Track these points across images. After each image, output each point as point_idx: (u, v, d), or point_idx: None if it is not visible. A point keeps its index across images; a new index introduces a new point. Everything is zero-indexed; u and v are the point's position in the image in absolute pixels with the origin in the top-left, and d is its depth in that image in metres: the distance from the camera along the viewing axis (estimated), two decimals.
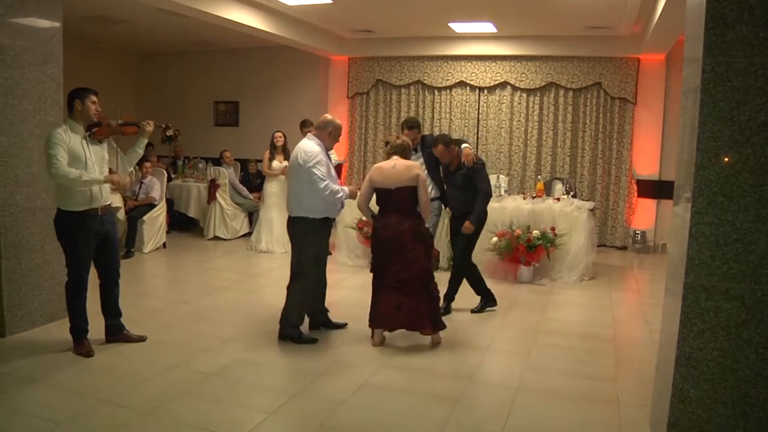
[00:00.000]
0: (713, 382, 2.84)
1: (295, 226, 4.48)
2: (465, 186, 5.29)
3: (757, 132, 2.68)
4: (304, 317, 4.65)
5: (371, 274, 4.65)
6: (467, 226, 5.24)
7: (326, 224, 4.56)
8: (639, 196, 8.69)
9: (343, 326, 4.89)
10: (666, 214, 8.54)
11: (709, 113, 2.73)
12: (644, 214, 8.68)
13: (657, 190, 8.61)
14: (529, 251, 6.53)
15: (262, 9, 7.43)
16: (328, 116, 4.61)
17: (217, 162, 9.09)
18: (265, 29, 7.60)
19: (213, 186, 8.33)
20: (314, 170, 4.32)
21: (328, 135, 4.55)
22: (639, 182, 8.67)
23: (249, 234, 8.53)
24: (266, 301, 5.56)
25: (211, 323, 4.93)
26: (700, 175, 2.77)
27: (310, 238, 4.45)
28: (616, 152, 8.67)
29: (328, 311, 4.93)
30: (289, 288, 4.58)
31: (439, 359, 4.35)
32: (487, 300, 5.57)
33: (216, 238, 8.45)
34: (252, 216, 8.72)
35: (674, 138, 8.43)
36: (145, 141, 4.47)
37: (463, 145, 5.36)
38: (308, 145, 4.44)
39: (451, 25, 8.16)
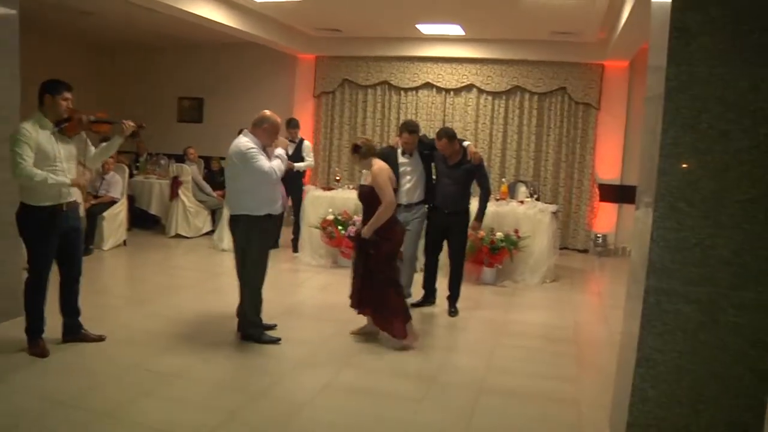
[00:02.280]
0: (670, 383, 2.91)
1: (237, 224, 4.41)
2: (463, 181, 5.41)
3: (717, 140, 2.75)
4: (260, 314, 4.57)
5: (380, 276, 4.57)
6: (475, 225, 5.49)
7: (269, 221, 4.44)
8: (601, 200, 8.84)
9: (272, 327, 4.75)
10: (627, 219, 8.71)
11: (672, 121, 2.79)
12: (606, 218, 8.85)
13: (618, 194, 8.77)
14: (493, 253, 6.58)
15: (230, 5, 7.34)
16: (266, 112, 4.46)
17: (181, 159, 8.93)
18: (232, 25, 7.50)
19: (175, 183, 8.19)
20: (253, 162, 4.20)
21: (263, 131, 4.39)
22: (601, 186, 8.82)
23: (212, 232, 8.41)
24: (228, 301, 5.44)
25: (173, 322, 4.84)
26: (663, 181, 2.83)
27: (254, 236, 4.36)
28: (579, 156, 8.82)
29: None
30: (241, 289, 4.52)
31: (403, 360, 4.36)
32: (429, 297, 5.68)
33: (178, 236, 8.29)
34: (215, 214, 8.59)
35: (636, 143, 8.66)
36: (121, 141, 4.36)
37: (466, 143, 5.47)
38: (242, 141, 4.32)
39: (419, 26, 8.18)
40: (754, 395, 2.84)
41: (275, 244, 7.60)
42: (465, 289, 6.26)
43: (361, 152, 4.60)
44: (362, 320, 4.76)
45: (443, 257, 5.75)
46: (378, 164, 4.60)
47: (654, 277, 2.88)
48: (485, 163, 8.90)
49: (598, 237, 8.72)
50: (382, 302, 4.55)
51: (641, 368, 2.94)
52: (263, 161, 4.25)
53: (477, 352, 4.59)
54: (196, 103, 10.56)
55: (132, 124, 4.31)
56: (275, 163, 4.32)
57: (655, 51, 3.10)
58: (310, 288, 6.29)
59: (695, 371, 2.88)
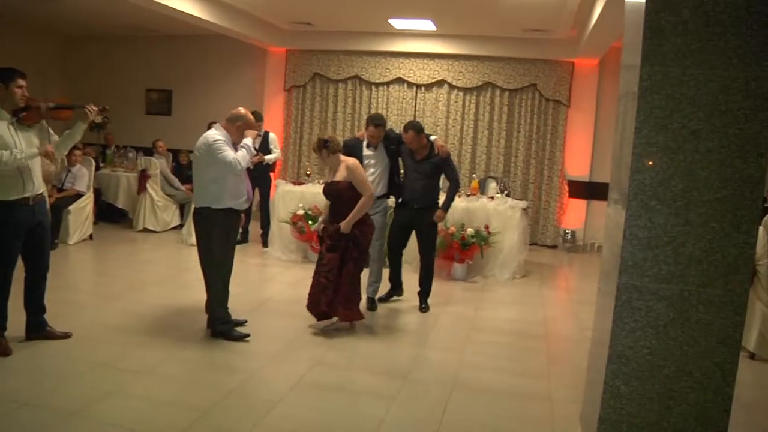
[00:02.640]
0: (642, 379, 2.96)
1: (199, 217, 4.35)
2: (431, 175, 5.41)
3: (688, 139, 2.80)
4: (227, 307, 4.50)
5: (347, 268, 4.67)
6: (440, 215, 5.42)
7: (232, 215, 4.37)
8: (570, 196, 8.96)
9: (242, 323, 4.68)
10: (596, 215, 8.85)
11: (645, 120, 2.82)
12: (575, 214, 8.96)
13: (587, 190, 8.90)
14: (463, 249, 6.62)
15: None
16: (242, 110, 4.40)
17: (149, 152, 8.77)
18: (202, 17, 7.37)
19: (143, 176, 8.03)
20: (218, 153, 4.15)
21: (236, 129, 4.34)
22: (570, 183, 8.93)
23: (180, 226, 8.27)
24: (197, 296, 5.34)
25: (141, 319, 4.74)
26: (635, 179, 2.86)
27: (216, 230, 4.30)
28: (549, 153, 8.90)
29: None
30: (206, 284, 4.46)
31: (375, 356, 4.35)
32: (396, 290, 5.70)
33: (146, 230, 8.14)
34: (183, 208, 8.46)
35: (605, 141, 8.79)
36: (85, 127, 4.24)
37: (433, 137, 5.49)
38: (210, 134, 4.28)
39: (391, 21, 8.15)
40: (721, 390, 2.91)
41: (245, 239, 7.54)
42: (436, 285, 6.29)
43: (330, 148, 4.63)
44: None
45: (414, 253, 5.76)
46: (350, 159, 4.70)
47: (626, 275, 2.92)
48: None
49: (567, 233, 8.83)
50: (351, 294, 4.66)
51: (613, 365, 2.98)
52: (228, 152, 4.19)
53: (449, 348, 4.60)
54: (165, 96, 10.36)
55: (95, 108, 4.20)
56: (240, 154, 4.26)
57: (629, 50, 3.13)
58: (280, 283, 6.24)
59: (666, 367, 2.93)
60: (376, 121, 5.36)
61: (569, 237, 8.80)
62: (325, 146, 4.64)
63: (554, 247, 8.91)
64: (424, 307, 5.49)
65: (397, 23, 8.29)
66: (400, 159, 5.56)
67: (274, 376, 3.89)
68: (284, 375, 3.89)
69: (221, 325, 4.40)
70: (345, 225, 4.55)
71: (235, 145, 4.33)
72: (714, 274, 2.84)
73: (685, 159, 2.81)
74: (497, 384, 3.97)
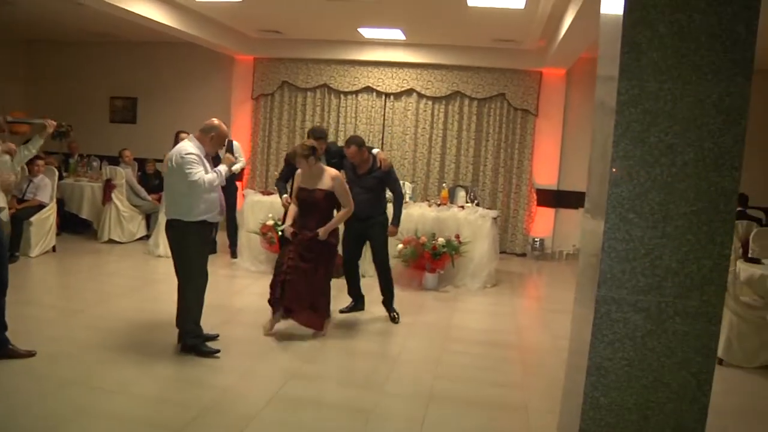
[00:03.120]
0: (620, 390, 2.97)
1: (171, 230, 4.27)
2: (375, 189, 5.37)
3: (665, 153, 2.83)
4: (199, 323, 4.37)
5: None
6: (393, 230, 5.46)
7: (203, 227, 4.28)
8: (538, 204, 9.05)
9: (214, 338, 4.58)
10: (564, 223, 8.97)
11: (623, 134, 2.85)
12: (543, 223, 9.06)
13: (556, 199, 9.01)
14: (435, 258, 6.62)
15: (167, 3, 7.09)
16: (215, 121, 4.35)
17: (114, 161, 8.56)
18: (169, 24, 7.26)
19: (108, 186, 7.83)
20: (186, 168, 4.07)
21: (210, 140, 4.27)
22: (538, 191, 9.03)
23: (146, 237, 8.10)
24: (166, 309, 5.22)
25: (108, 334, 4.59)
26: (614, 192, 2.88)
27: (188, 242, 4.21)
28: (518, 162, 8.99)
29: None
30: (179, 298, 4.34)
31: (349, 369, 4.33)
32: (358, 303, 5.64)
33: (111, 241, 7.94)
34: (150, 218, 8.29)
35: (573, 149, 8.92)
36: (41, 142, 4.15)
37: (376, 150, 5.46)
38: (184, 146, 4.18)
39: (361, 30, 8.15)
40: (697, 400, 2.94)
41: (213, 249, 7.40)
42: (408, 295, 6.33)
43: (317, 155, 4.69)
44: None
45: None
46: (333, 170, 4.81)
47: (605, 287, 2.93)
48: (422, 167, 9.16)
49: (536, 241, 8.92)
50: (320, 303, 4.71)
51: (592, 376, 2.99)
52: (196, 170, 4.09)
53: (424, 360, 4.58)
54: (130, 103, 10.15)
55: (54, 123, 4.11)
56: (209, 177, 4.16)
57: (605, 62, 3.17)
58: (250, 294, 6.15)
59: (643, 378, 2.95)
60: (317, 134, 5.34)
61: (538, 245, 8.89)
62: (313, 153, 4.66)
63: (523, 255, 8.98)
64: (394, 316, 5.45)
65: (367, 32, 8.29)
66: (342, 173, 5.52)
67: (249, 391, 3.82)
68: (259, 389, 3.82)
69: (192, 339, 4.30)
70: (323, 232, 4.62)
71: (209, 156, 4.27)
72: (690, 285, 2.87)
73: (662, 173, 2.84)
74: (474, 395, 3.97)
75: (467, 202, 7.34)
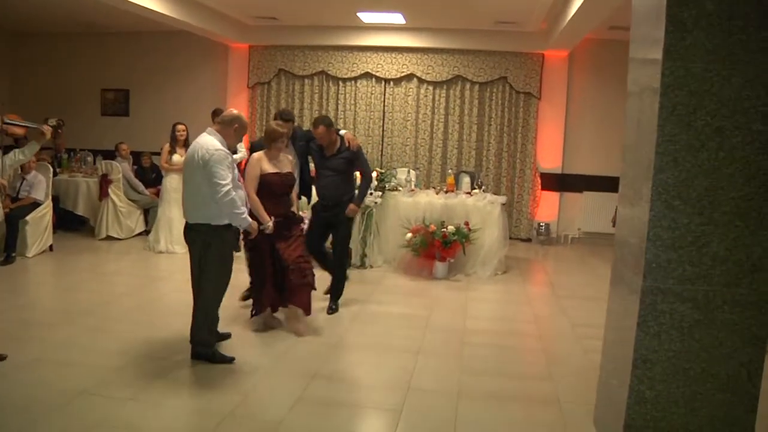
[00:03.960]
0: (667, 383, 2.88)
1: (195, 234, 3.95)
2: (344, 170, 5.19)
3: (712, 137, 2.72)
4: (216, 334, 4.18)
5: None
6: (353, 208, 5.20)
7: (230, 232, 4.02)
8: (542, 189, 8.94)
9: (227, 337, 4.43)
10: (568, 207, 8.88)
11: (668, 117, 2.73)
12: (547, 207, 8.96)
13: (560, 183, 8.91)
14: (445, 247, 6.48)
15: None
16: (234, 111, 4.10)
17: (106, 155, 8.34)
18: (162, 12, 7.03)
19: (105, 181, 7.61)
20: (215, 169, 3.78)
21: (234, 132, 4.00)
22: (543, 175, 8.92)
23: (145, 233, 7.92)
24: (173, 308, 5.11)
25: (116, 337, 4.40)
26: (658, 179, 2.76)
27: (213, 249, 3.92)
28: (521, 146, 8.87)
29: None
30: (194, 304, 4.09)
31: (372, 367, 4.18)
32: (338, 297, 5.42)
33: (109, 237, 7.73)
34: (148, 213, 8.09)
35: (576, 132, 8.81)
36: (38, 148, 3.97)
37: (343, 131, 5.28)
38: (209, 142, 3.86)
39: (360, 14, 7.95)
40: (747, 391, 2.85)
41: (236, 248, 7.23)
42: (420, 285, 6.23)
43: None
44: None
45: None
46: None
47: (650, 277, 2.83)
48: (424, 153, 9.02)
49: (541, 225, 8.82)
50: (309, 279, 4.55)
51: (638, 369, 2.89)
52: (227, 183, 3.80)
53: (446, 354, 4.45)
54: (122, 95, 9.89)
55: (50, 128, 3.94)
56: (238, 200, 3.90)
57: (643, 43, 3.04)
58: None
59: (690, 370, 2.85)
60: (287, 116, 5.13)
61: (543, 230, 8.79)
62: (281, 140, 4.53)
63: (528, 240, 8.89)
64: (333, 308, 5.22)
65: (366, 16, 8.09)
66: (309, 157, 5.36)
67: (271, 395, 3.67)
68: (281, 392, 3.67)
69: (202, 348, 4.07)
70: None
71: (230, 149, 4.02)
72: (739, 273, 2.78)
73: (709, 157, 2.73)
74: (502, 389, 3.86)
75: (474, 188, 7.19)
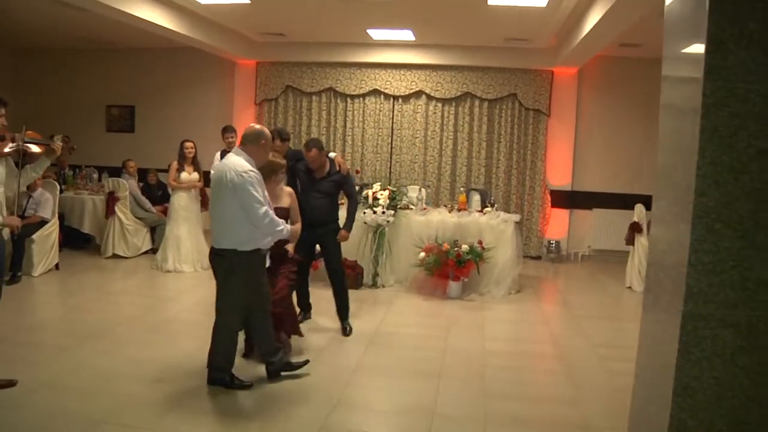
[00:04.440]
0: (709, 411, 2.78)
1: (219, 260, 3.82)
2: (332, 193, 5.18)
3: (755, 158, 2.64)
4: (233, 360, 4.01)
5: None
6: (344, 235, 5.19)
7: (257, 256, 3.90)
8: (552, 206, 8.88)
9: (303, 364, 4.24)
10: (578, 224, 8.82)
11: (709, 139, 2.65)
12: (557, 224, 8.89)
13: (569, 200, 8.85)
14: (459, 266, 6.39)
15: (171, 6, 6.84)
16: (257, 126, 3.94)
17: (113, 171, 8.26)
18: (171, 28, 7.00)
19: (112, 199, 7.52)
20: (250, 192, 3.66)
21: (261, 148, 3.86)
22: (552, 193, 8.86)
23: (152, 251, 7.82)
24: (184, 330, 5.03)
25: (128, 361, 4.29)
26: (700, 202, 2.68)
27: (237, 275, 3.81)
28: (531, 163, 8.82)
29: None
30: (213, 329, 3.96)
31: (397, 392, 4.07)
32: (306, 312, 5.42)
33: (115, 256, 7.63)
34: (155, 231, 7.99)
35: (585, 149, 8.77)
36: (48, 164, 3.90)
37: (332, 154, 5.26)
38: (238, 162, 3.71)
39: (370, 31, 7.92)
40: None
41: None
42: (434, 305, 6.14)
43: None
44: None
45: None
46: (287, 187, 4.63)
47: (691, 302, 2.73)
48: (433, 170, 8.97)
49: (551, 243, 8.74)
50: (292, 311, 4.57)
51: (679, 397, 2.79)
52: (263, 206, 3.71)
53: (468, 377, 4.35)
54: (127, 112, 9.85)
55: (60, 144, 3.88)
56: (277, 223, 3.83)
57: (680, 63, 2.97)
58: None
59: (734, 398, 2.76)
60: (285, 135, 5.04)
61: (553, 247, 8.71)
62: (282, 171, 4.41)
63: (538, 258, 8.81)
64: (346, 328, 5.16)
65: (376, 33, 8.06)
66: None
67: (293, 424, 3.53)
68: (303, 421, 3.54)
69: (218, 373, 3.94)
70: (293, 248, 4.62)
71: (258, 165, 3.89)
72: None
73: (752, 179, 2.65)
74: (530, 415, 3.77)
75: (487, 207, 7.11)
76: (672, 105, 3.05)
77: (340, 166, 5.15)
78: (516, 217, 7.00)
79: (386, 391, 4.10)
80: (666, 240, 3.05)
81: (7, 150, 3.69)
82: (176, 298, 6.21)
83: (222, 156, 7.21)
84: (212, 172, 3.97)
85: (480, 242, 6.55)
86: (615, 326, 6.11)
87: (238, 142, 7.25)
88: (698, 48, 2.68)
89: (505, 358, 4.80)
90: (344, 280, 5.28)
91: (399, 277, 6.83)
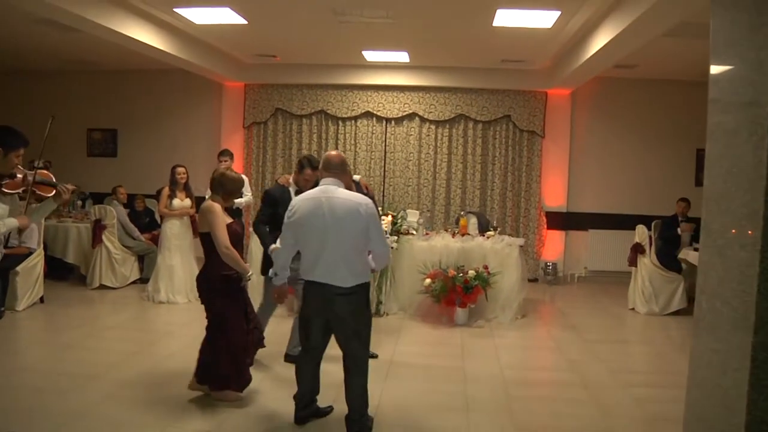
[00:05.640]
0: None
1: (348, 299, 3.43)
2: None
3: None
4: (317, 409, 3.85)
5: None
6: None
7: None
8: (548, 227, 8.82)
9: (328, 411, 3.96)
10: (574, 245, 8.77)
11: None
12: (553, 246, 8.83)
13: (565, 221, 8.80)
14: (466, 293, 6.23)
15: (163, 27, 6.62)
16: (332, 152, 3.68)
17: (98, 198, 7.92)
18: (162, 48, 6.77)
19: (99, 227, 7.18)
20: (380, 224, 3.63)
21: (349, 176, 3.84)
22: (548, 214, 8.80)
23: (140, 281, 7.49)
24: (189, 368, 4.68)
25: (134, 406, 3.96)
26: None
27: (368, 307, 3.67)
28: (526, 185, 8.77)
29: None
30: (353, 386, 3.58)
31: (423, 429, 3.86)
32: None
33: (102, 286, 7.26)
34: (143, 260, 7.67)
35: (580, 170, 8.75)
36: (55, 207, 3.69)
37: (357, 177, 5.12)
38: (354, 194, 3.52)
39: (365, 53, 7.81)
40: None
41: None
42: (443, 334, 5.99)
43: None
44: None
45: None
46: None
47: (762, 333, 2.62)
48: (427, 193, 8.84)
49: (548, 265, 8.66)
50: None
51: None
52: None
53: (495, 410, 4.16)
54: (110, 136, 9.52)
55: (69, 187, 3.69)
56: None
57: (734, 85, 2.90)
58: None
59: None
60: (316, 163, 4.72)
61: (550, 269, 8.63)
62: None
63: (535, 280, 8.70)
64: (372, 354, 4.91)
65: (371, 55, 7.95)
66: None
67: None
68: None
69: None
70: None
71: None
72: None
73: None
74: None
75: (490, 231, 6.98)
76: (723, 130, 2.96)
77: (367, 188, 5.05)
78: (520, 241, 6.90)
79: (415, 428, 3.88)
80: (722, 268, 2.94)
81: (17, 191, 3.47)
82: (174, 333, 5.88)
83: None
84: (301, 204, 3.49)
85: (486, 267, 6.41)
86: (628, 350, 6.03)
87: (236, 167, 7.15)
88: (757, 71, 2.60)
89: (528, 387, 4.65)
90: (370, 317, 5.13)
91: (403, 304, 6.63)
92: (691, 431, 3.17)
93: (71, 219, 7.77)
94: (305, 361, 3.72)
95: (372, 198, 4.95)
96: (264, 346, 4.31)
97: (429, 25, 6.40)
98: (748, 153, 2.70)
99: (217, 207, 3.94)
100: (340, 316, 3.45)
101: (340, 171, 3.55)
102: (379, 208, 6.73)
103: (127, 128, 9.50)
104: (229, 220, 4.03)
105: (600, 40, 5.73)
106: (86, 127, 9.55)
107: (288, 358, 4.83)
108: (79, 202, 8.04)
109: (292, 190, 4.79)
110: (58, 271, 7.63)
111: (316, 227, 3.38)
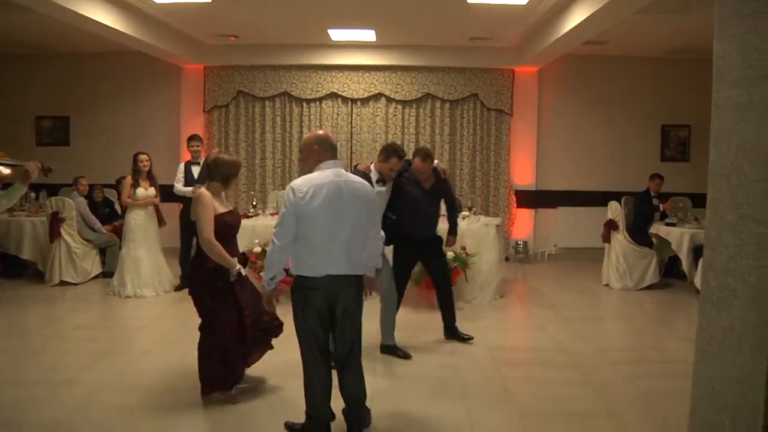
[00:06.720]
0: None
1: (354, 288, 3.25)
2: (438, 203, 5.12)
3: None
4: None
5: None
6: (452, 240, 5.23)
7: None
8: (517, 206, 8.82)
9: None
10: (543, 223, 8.80)
11: None
12: (523, 224, 8.85)
13: (534, 199, 8.82)
14: None
15: (120, 6, 6.25)
16: (324, 133, 3.36)
17: (52, 190, 7.50)
18: (118, 29, 6.41)
19: (56, 220, 6.79)
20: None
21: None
22: (517, 193, 8.80)
23: (103, 275, 7.14)
24: (166, 365, 4.44)
25: (114, 412, 3.71)
26: None
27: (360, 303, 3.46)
28: (494, 164, 8.74)
29: None
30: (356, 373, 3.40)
31: (423, 419, 3.76)
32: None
33: (63, 283, 6.88)
34: (105, 253, 7.31)
35: (548, 148, 8.76)
36: (24, 190, 3.40)
37: (434, 161, 4.99)
38: (355, 177, 3.35)
39: (330, 31, 7.57)
40: None
41: (185, 285, 6.58)
42: (426, 318, 5.91)
43: None
44: None
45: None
46: None
47: None
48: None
49: (519, 244, 8.68)
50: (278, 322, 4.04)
51: None
52: None
53: (494, 394, 4.10)
54: (61, 123, 9.01)
55: (38, 165, 3.41)
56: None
57: (741, 57, 2.84)
58: None
59: None
60: (402, 152, 4.59)
61: (521, 248, 8.65)
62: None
63: (506, 259, 8.71)
64: (466, 336, 5.15)
65: (336, 34, 7.72)
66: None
67: None
68: None
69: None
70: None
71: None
72: None
73: None
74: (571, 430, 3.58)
75: (465, 211, 6.92)
76: (732, 103, 2.91)
77: (444, 172, 5.12)
78: (497, 221, 6.88)
79: (416, 421, 3.77)
80: (734, 244, 2.90)
81: None
82: (145, 328, 5.62)
83: (187, 168, 6.68)
84: (315, 189, 3.10)
85: (464, 248, 6.34)
86: (609, 327, 6.08)
87: (203, 152, 6.81)
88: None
89: (520, 369, 4.63)
90: (451, 290, 5.28)
91: (379, 288, 6.49)
92: (701, 409, 3.15)
93: (25, 213, 7.33)
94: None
95: (448, 180, 5.22)
96: (272, 347, 4.07)
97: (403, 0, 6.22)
98: (762, 127, 2.65)
99: (206, 196, 3.69)
100: (348, 307, 3.23)
101: (335, 153, 3.34)
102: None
103: (80, 115, 9.01)
104: (223, 209, 3.79)
105: (576, 16, 5.67)
106: (34, 115, 9.01)
107: (384, 349, 4.86)
108: (33, 195, 7.58)
109: (373, 177, 4.56)
110: (13, 268, 7.19)
111: (337, 213, 3.10)
